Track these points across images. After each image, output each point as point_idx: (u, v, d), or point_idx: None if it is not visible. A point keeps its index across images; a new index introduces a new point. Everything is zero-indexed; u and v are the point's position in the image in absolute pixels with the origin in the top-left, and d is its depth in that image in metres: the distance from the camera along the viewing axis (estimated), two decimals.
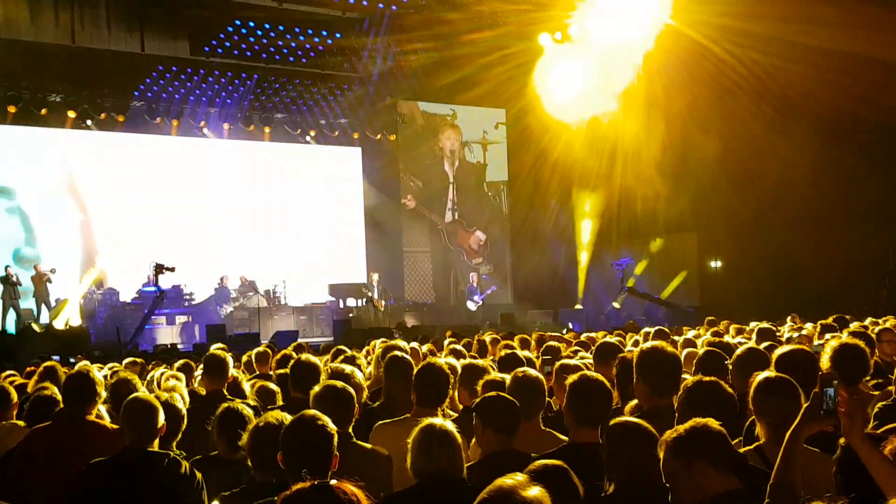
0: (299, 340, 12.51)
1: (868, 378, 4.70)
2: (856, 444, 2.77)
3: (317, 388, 4.11)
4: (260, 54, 20.57)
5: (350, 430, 3.98)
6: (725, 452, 2.84)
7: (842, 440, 2.86)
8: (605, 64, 19.54)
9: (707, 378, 3.48)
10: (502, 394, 4.01)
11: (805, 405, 2.81)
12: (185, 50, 19.93)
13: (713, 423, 2.87)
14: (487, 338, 8.91)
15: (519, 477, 2.33)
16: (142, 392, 4.57)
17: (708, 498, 2.75)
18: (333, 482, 2.25)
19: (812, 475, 3.01)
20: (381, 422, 4.43)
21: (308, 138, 22.86)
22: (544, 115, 20.82)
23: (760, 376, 3.59)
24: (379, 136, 23.36)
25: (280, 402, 5.40)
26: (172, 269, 17.59)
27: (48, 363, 6.83)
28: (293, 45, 20.61)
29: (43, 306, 18.20)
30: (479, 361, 5.67)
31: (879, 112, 16.71)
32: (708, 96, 18.93)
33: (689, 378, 3.59)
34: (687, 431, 2.84)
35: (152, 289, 19.14)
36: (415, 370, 4.80)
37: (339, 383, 4.12)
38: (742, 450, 3.43)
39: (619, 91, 19.76)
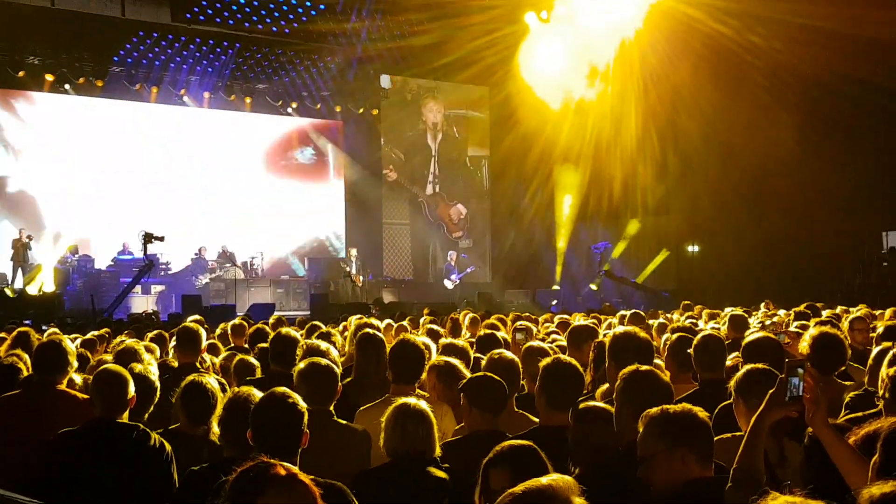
0: (276, 314, 12.45)
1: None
2: (818, 430, 2.80)
3: (301, 365, 4.07)
4: (242, 23, 20.23)
5: (332, 408, 3.97)
6: (709, 445, 2.84)
7: (809, 429, 2.88)
8: (591, 43, 19.46)
9: (644, 367, 3.43)
10: (490, 374, 4.02)
11: (770, 391, 2.83)
12: (166, 16, 19.58)
13: (702, 412, 2.85)
14: (466, 319, 8.88)
15: (568, 478, 2.03)
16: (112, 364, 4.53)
17: (681, 483, 2.75)
18: (276, 463, 2.19)
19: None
20: (362, 407, 4.39)
21: (290, 110, 22.65)
22: (528, 93, 20.71)
23: (748, 366, 3.55)
24: (361, 110, 23.19)
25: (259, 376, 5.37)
26: (161, 239, 16.97)
27: (22, 329, 6.74)
28: (276, 14, 20.33)
29: (20, 271, 18.03)
30: (459, 342, 5.67)
31: (867, 90, 16.69)
32: (694, 75, 18.81)
33: (626, 368, 3.51)
34: (675, 415, 2.82)
35: (128, 257, 18.97)
36: (388, 348, 4.80)
37: (324, 361, 4.09)
38: (726, 436, 3.38)
39: (603, 70, 19.68)
